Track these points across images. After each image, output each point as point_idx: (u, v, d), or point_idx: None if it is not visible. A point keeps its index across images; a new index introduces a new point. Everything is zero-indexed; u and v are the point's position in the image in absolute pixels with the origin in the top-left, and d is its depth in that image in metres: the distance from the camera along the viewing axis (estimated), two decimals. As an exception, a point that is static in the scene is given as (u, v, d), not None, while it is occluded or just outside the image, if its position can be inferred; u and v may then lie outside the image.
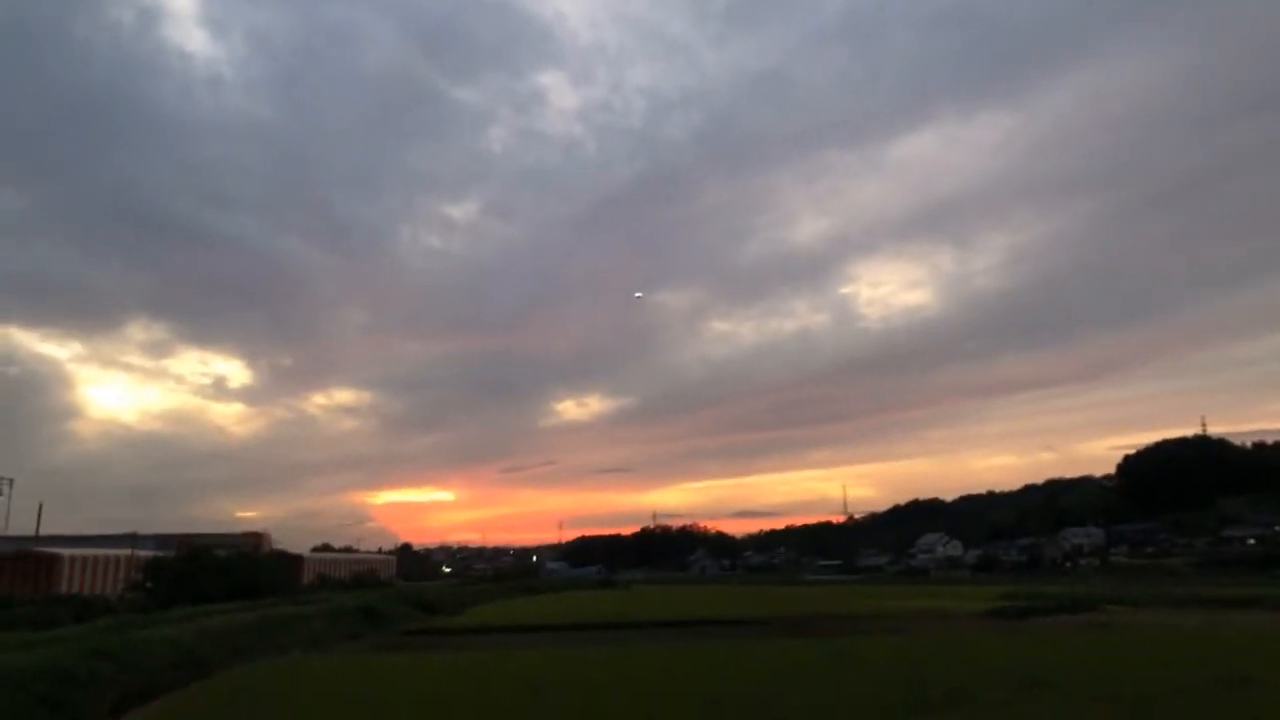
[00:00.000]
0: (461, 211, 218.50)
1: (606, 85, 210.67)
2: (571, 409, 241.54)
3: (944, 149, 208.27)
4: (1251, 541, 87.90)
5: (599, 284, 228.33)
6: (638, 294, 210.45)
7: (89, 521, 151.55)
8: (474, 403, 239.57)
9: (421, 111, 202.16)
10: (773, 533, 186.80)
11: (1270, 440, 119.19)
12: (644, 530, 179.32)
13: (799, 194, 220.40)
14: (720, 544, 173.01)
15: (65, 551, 48.21)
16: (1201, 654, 17.28)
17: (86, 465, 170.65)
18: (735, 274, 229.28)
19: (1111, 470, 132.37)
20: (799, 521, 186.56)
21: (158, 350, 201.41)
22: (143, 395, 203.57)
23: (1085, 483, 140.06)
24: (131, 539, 56.65)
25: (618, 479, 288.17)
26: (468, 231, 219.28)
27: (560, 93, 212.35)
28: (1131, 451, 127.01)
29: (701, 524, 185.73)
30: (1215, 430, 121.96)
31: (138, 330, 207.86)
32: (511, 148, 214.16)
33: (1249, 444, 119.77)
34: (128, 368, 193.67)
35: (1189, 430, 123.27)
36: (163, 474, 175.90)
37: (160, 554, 46.33)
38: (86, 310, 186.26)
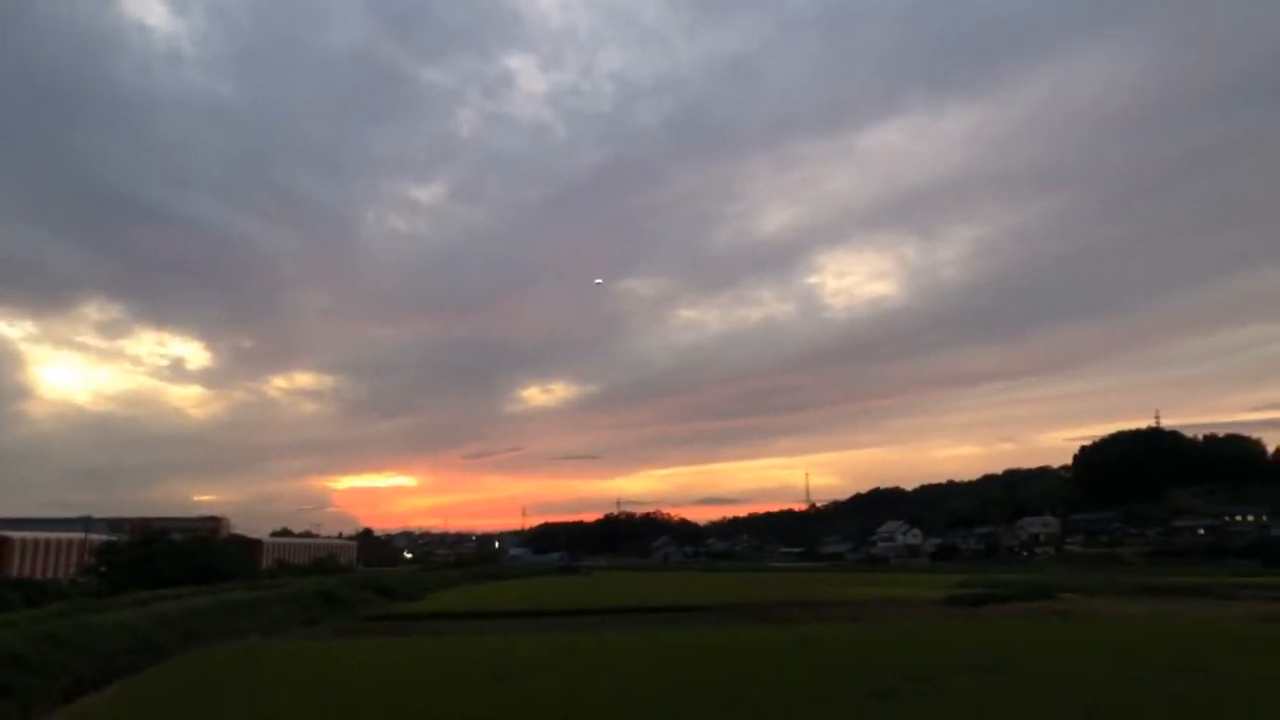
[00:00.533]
0: (427, 194, 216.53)
1: (576, 70, 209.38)
2: (537, 395, 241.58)
3: (913, 140, 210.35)
4: (1201, 531, 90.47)
5: (566, 270, 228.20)
6: (597, 280, 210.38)
7: (41, 505, 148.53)
8: (438, 388, 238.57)
9: (388, 92, 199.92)
10: (736, 520, 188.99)
11: (1221, 433, 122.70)
12: (608, 517, 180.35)
13: (768, 183, 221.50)
14: (684, 531, 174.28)
15: (16, 535, 47.22)
16: (1154, 642, 17.71)
17: (38, 447, 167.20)
18: (703, 262, 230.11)
19: (1069, 461, 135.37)
20: (762, 509, 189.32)
21: (113, 330, 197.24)
22: (97, 376, 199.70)
23: (1043, 473, 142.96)
24: (85, 523, 55.63)
25: (582, 465, 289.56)
26: (433, 215, 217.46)
27: (529, 76, 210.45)
28: (1088, 443, 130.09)
29: (665, 511, 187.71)
30: (1168, 423, 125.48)
31: (93, 310, 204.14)
32: (479, 131, 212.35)
33: (1200, 437, 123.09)
34: (82, 348, 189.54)
35: (1143, 423, 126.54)
36: (118, 457, 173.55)
37: (114, 538, 45.56)
38: (40, 288, 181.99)
